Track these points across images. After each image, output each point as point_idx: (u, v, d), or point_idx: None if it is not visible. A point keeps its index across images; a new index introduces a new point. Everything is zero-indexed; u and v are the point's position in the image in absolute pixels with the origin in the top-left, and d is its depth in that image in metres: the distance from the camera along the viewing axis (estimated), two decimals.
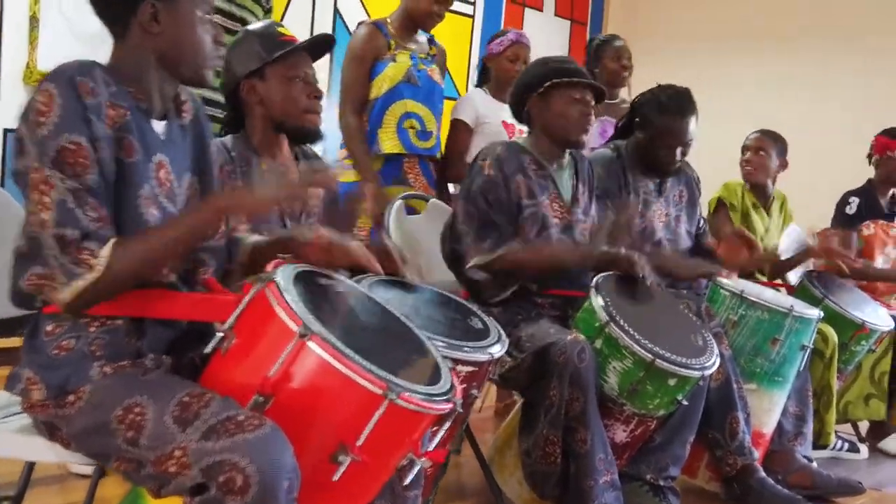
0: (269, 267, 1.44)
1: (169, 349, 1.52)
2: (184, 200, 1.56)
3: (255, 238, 1.76)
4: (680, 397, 2.33)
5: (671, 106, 2.83)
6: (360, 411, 1.32)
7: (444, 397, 1.43)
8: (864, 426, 3.69)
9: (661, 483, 2.47)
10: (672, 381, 2.29)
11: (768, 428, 2.85)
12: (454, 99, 5.43)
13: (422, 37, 3.20)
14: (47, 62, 3.57)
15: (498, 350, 2.00)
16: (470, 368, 1.93)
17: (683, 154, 2.91)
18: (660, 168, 2.93)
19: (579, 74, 2.57)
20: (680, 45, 6.00)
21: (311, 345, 1.31)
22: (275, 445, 1.24)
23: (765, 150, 3.52)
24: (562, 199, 2.59)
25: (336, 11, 4.91)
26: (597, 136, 3.62)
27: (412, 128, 3.08)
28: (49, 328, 1.45)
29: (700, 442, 2.68)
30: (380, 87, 3.05)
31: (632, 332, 2.25)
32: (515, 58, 3.55)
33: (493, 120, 3.52)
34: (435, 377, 1.48)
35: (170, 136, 1.55)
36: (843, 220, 3.82)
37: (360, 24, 3.19)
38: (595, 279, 2.40)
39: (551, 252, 2.50)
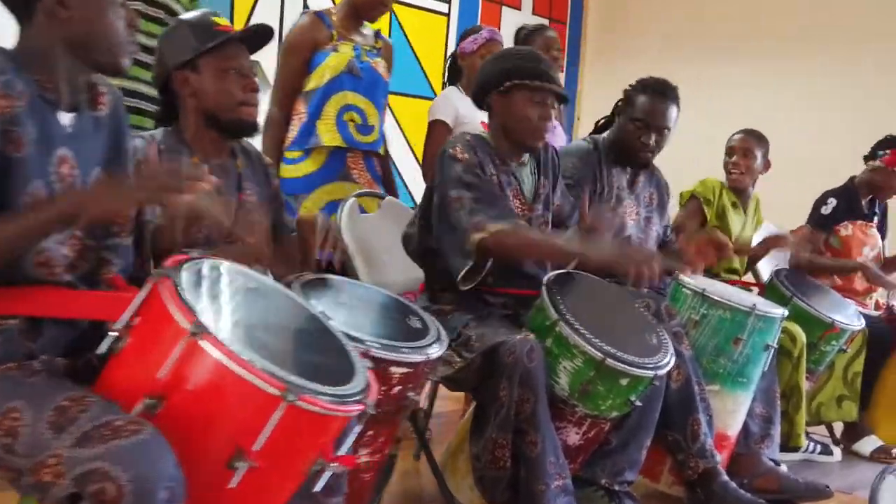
0: (168, 262, 1.36)
1: (67, 351, 1.44)
2: None
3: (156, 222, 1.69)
4: (633, 398, 2.25)
5: (655, 87, 2.85)
6: (257, 414, 1.25)
7: (355, 398, 1.35)
8: (838, 428, 3.62)
9: (617, 488, 2.39)
10: (624, 381, 2.21)
11: (733, 430, 2.78)
12: (429, 98, 5.38)
13: (367, 30, 3.11)
14: None
15: (435, 350, 1.92)
16: (405, 370, 1.85)
17: (657, 143, 2.88)
18: (633, 155, 2.90)
19: (544, 76, 2.48)
20: (661, 43, 5.92)
21: (204, 344, 1.23)
22: (152, 452, 1.16)
23: (751, 151, 3.44)
24: (523, 195, 2.52)
25: (305, 7, 4.84)
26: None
27: (352, 121, 2.99)
28: None
29: (661, 445, 2.60)
30: (320, 77, 2.95)
31: (582, 331, 2.17)
32: (489, 56, 3.46)
33: (472, 120, 3.43)
34: (346, 377, 1.40)
35: (79, 129, 1.47)
36: (819, 220, 3.75)
37: (302, 13, 3.08)
38: (547, 277, 2.33)
39: (554, 241, 2.44)
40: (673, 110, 2.89)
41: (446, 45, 5.56)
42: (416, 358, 1.85)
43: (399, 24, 5.32)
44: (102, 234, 1.52)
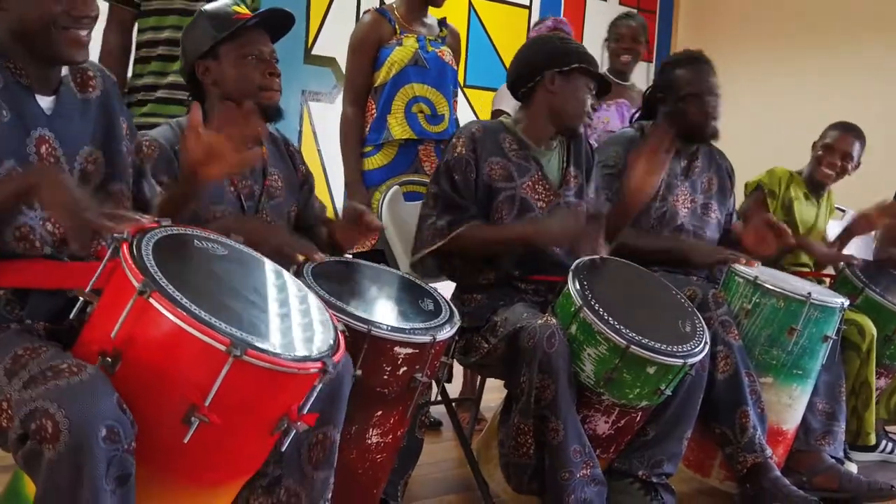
0: (131, 230, 1.40)
1: (51, 317, 1.51)
2: (77, 174, 1.56)
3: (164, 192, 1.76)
4: (663, 387, 2.18)
5: (687, 59, 2.81)
6: (207, 369, 1.27)
7: (314, 357, 1.36)
8: None
9: (654, 480, 2.32)
10: (651, 370, 2.14)
11: (789, 425, 2.65)
12: None
13: (432, 20, 3.13)
14: None
15: (446, 332, 1.92)
16: (410, 350, 1.85)
17: (716, 108, 2.80)
18: (701, 130, 2.81)
19: (586, 61, 2.48)
20: (750, 34, 5.71)
21: (152, 301, 1.27)
22: (89, 391, 1.20)
23: (850, 155, 3.27)
24: (547, 181, 2.49)
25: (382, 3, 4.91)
26: (616, 118, 3.50)
27: (421, 112, 3.02)
28: None
29: (711, 439, 2.52)
30: (387, 72, 3.00)
31: (606, 317, 2.12)
32: None
33: None
34: (311, 338, 1.41)
35: (60, 111, 1.54)
36: None
37: (364, 12, 3.15)
38: (575, 263, 2.28)
39: (506, 228, 2.40)
40: (713, 72, 2.82)
41: (527, 37, 5.52)
42: (422, 338, 1.85)
43: (478, 17, 5.33)
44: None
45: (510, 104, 3.43)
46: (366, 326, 1.78)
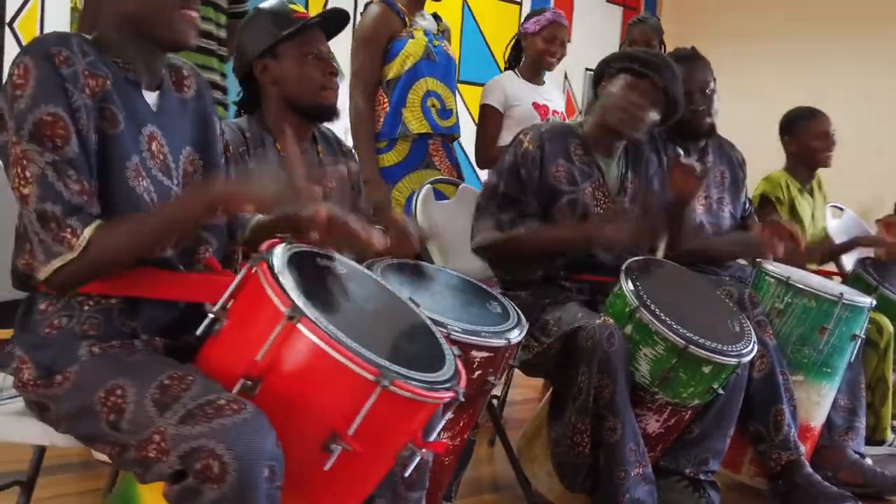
0: (264, 246, 1.38)
1: (166, 331, 1.47)
2: (181, 173, 1.52)
3: (259, 216, 1.71)
4: (716, 386, 2.22)
5: (678, 58, 2.76)
6: (352, 398, 1.25)
7: (445, 385, 1.35)
8: None
9: (701, 477, 2.35)
10: (706, 369, 2.17)
11: (817, 422, 2.71)
12: None
13: (427, 14, 3.12)
14: None
15: (516, 335, 1.91)
16: (486, 354, 1.85)
17: (709, 105, 2.81)
18: (694, 128, 2.83)
19: (655, 69, 2.46)
20: (733, 29, 5.80)
21: (301, 327, 1.24)
22: (254, 431, 1.18)
23: (835, 131, 3.34)
24: (606, 188, 2.50)
25: None
26: None
27: (434, 106, 3.00)
28: (42, 307, 1.42)
29: (743, 436, 2.56)
30: (402, 64, 2.96)
31: (663, 318, 2.14)
32: (552, 38, 3.44)
33: (523, 102, 3.42)
34: (437, 364, 1.40)
35: (164, 108, 1.50)
36: None
37: (368, 3, 3.08)
38: (626, 263, 2.30)
39: (553, 229, 2.40)
40: (704, 68, 2.83)
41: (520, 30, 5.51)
42: (497, 342, 1.85)
43: (471, 12, 5.31)
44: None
45: (497, 98, 3.43)
46: (444, 331, 1.77)
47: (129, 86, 1.43)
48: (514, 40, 3.67)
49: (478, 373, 1.86)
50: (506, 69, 3.65)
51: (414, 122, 2.98)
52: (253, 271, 1.32)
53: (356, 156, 2.96)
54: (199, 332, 1.31)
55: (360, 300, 1.48)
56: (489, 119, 3.41)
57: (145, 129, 1.44)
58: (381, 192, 2.91)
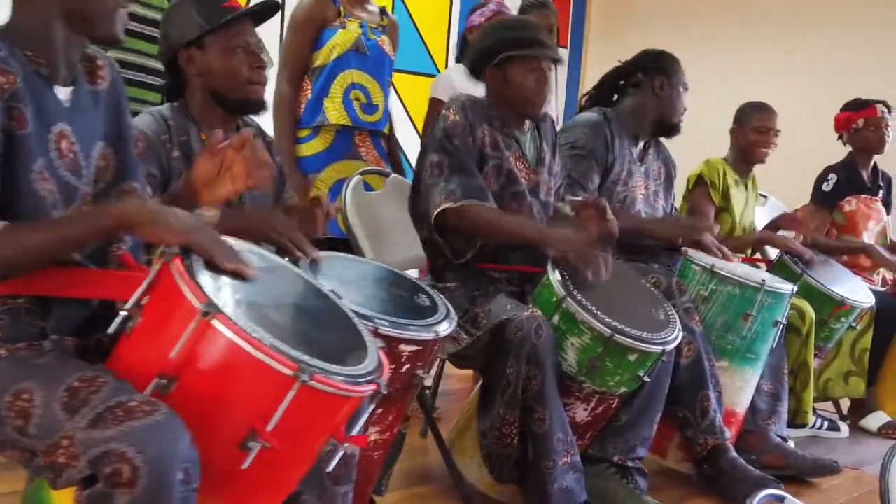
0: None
1: (77, 330, 1.42)
2: (93, 171, 1.46)
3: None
4: (642, 374, 2.24)
5: (663, 57, 2.91)
6: (271, 394, 1.22)
7: (368, 378, 1.34)
8: (845, 404, 3.62)
9: (629, 464, 2.39)
10: (632, 357, 2.20)
11: (741, 407, 2.77)
12: (433, 76, 5.34)
13: (374, 7, 3.08)
14: None
15: (445, 328, 1.90)
16: (414, 348, 1.83)
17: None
18: (675, 123, 2.92)
19: (534, 43, 2.47)
20: (666, 22, 5.87)
21: (216, 323, 1.21)
22: (167, 433, 1.14)
23: (777, 131, 3.41)
24: (526, 160, 2.51)
25: None
26: None
27: (357, 99, 2.97)
28: None
29: (670, 421, 2.60)
30: (328, 54, 2.92)
31: (589, 307, 2.16)
32: None
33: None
34: (359, 357, 1.38)
35: (77, 104, 1.45)
36: (821, 198, 3.72)
37: None
38: (552, 253, 2.31)
39: (517, 223, 2.38)
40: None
41: (449, 21, 5.52)
42: (426, 336, 1.84)
43: (404, 3, 5.28)
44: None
45: (446, 91, 3.41)
46: (371, 324, 1.75)
47: (39, 81, 1.37)
48: (460, 35, 3.67)
49: (406, 366, 1.85)
50: (456, 63, 3.65)
51: (333, 112, 2.94)
52: (166, 266, 1.28)
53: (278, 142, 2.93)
54: (110, 330, 1.28)
55: (280, 294, 1.45)
56: (436, 112, 3.38)
57: (55, 127, 1.38)
58: (295, 182, 2.86)
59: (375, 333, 1.74)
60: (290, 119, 2.93)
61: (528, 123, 2.56)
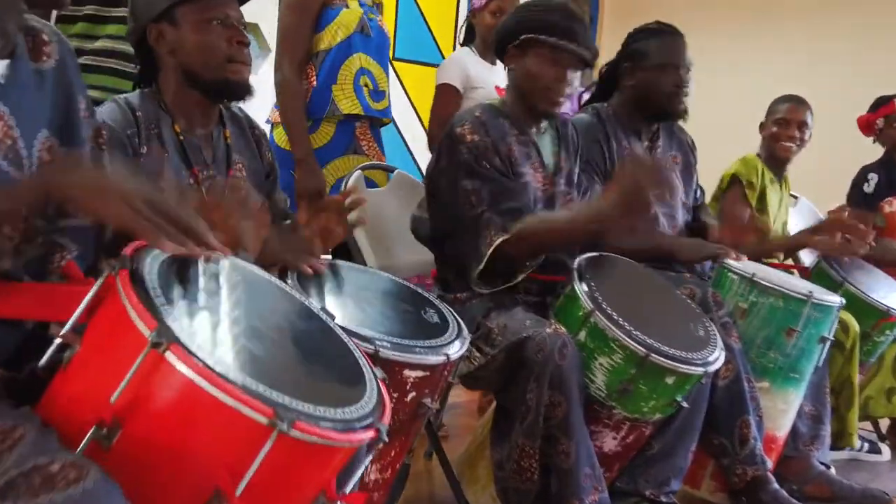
0: (128, 249, 1.07)
1: (8, 359, 1.15)
2: (35, 163, 1.19)
3: None
4: (679, 398, 1.97)
5: (662, 28, 2.56)
6: (241, 447, 0.96)
7: (364, 423, 1.06)
8: (883, 423, 3.34)
9: (662, 499, 2.12)
10: (670, 380, 1.93)
11: (782, 431, 2.49)
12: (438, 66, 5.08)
13: None
14: None
15: (457, 350, 1.63)
16: (420, 373, 1.56)
17: (687, 84, 2.55)
18: (669, 105, 2.56)
19: (566, 33, 2.15)
20: (681, 13, 5.58)
21: (170, 356, 0.94)
22: None
23: (806, 124, 3.12)
24: (544, 168, 2.23)
25: None
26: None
27: (366, 86, 2.69)
28: None
29: (705, 449, 2.32)
30: (333, 36, 2.64)
31: (621, 322, 1.89)
32: (499, 11, 3.18)
33: (485, 84, 3.13)
34: (355, 394, 1.11)
35: (15, 80, 1.18)
36: (861, 199, 3.44)
37: None
38: (577, 261, 2.04)
39: (564, 221, 2.08)
40: (686, 47, 2.58)
41: (457, 9, 5.24)
42: (434, 359, 1.57)
43: None
44: (55, 213, 1.22)
45: (457, 77, 3.16)
46: (371, 346, 1.48)
47: None
48: (467, 17, 3.40)
49: (412, 395, 1.58)
50: (462, 47, 3.38)
51: (345, 101, 2.67)
52: (111, 281, 1.01)
53: (289, 135, 2.65)
54: (42, 362, 1.01)
55: (255, 316, 1.18)
56: (446, 98, 3.10)
57: None
58: (316, 177, 2.59)
59: (375, 358, 1.47)
60: (301, 107, 2.62)
61: (545, 125, 2.28)
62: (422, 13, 5.08)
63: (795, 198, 3.60)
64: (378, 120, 2.79)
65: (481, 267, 2.04)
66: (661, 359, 1.87)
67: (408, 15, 5.03)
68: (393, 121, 3.00)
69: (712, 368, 1.96)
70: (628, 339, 1.87)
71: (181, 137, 1.75)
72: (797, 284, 2.44)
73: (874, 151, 3.59)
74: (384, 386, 1.20)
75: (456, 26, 5.18)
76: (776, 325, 2.39)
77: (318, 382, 1.11)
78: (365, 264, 2.29)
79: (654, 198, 1.87)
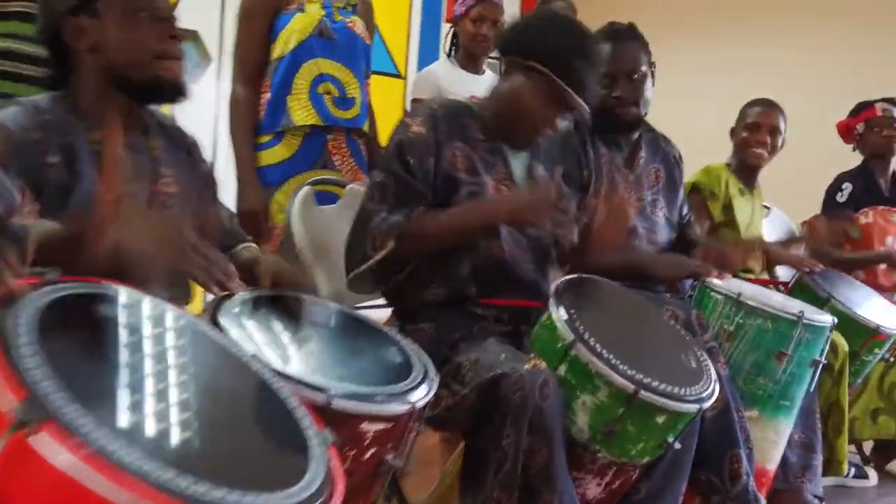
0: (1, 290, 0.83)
1: None
2: None
3: (46, 226, 1.16)
4: (671, 439, 1.76)
5: (608, 34, 2.37)
6: None
7: None
8: (867, 444, 3.19)
9: None
10: (661, 419, 1.71)
11: (772, 464, 2.30)
12: (392, 75, 4.85)
13: None
14: None
15: (422, 395, 1.39)
16: (381, 426, 1.32)
17: (634, 92, 2.37)
18: (614, 117, 2.38)
19: (580, 86, 1.94)
20: (651, 21, 5.43)
21: (38, 442, 0.70)
22: None
23: (778, 129, 2.96)
24: (512, 181, 2.02)
25: None
26: None
27: (328, 93, 2.47)
28: None
29: (692, 486, 2.09)
30: (285, 43, 2.43)
31: (606, 355, 1.67)
32: (480, 19, 3.02)
33: (460, 93, 2.93)
34: (294, 469, 0.88)
35: None
36: (834, 209, 3.30)
37: None
38: (555, 285, 1.82)
39: (450, 215, 1.89)
40: (635, 50, 2.40)
41: (409, 16, 5.03)
42: (397, 409, 1.33)
43: None
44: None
45: (428, 90, 2.99)
46: (323, 397, 1.24)
47: None
48: (451, 28, 3.21)
49: (371, 451, 1.34)
50: (446, 57, 3.19)
51: (300, 111, 2.45)
52: None
53: (234, 151, 2.45)
54: None
55: (167, 374, 0.93)
56: None
57: None
58: (256, 199, 2.39)
59: (327, 411, 1.23)
60: (248, 124, 2.45)
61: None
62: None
63: (767, 208, 3.43)
64: (356, 130, 2.57)
65: (359, 271, 1.89)
66: (652, 396, 1.65)
67: None
68: None
69: (707, 405, 1.75)
70: (614, 375, 1.65)
71: (96, 148, 1.50)
72: (786, 304, 2.26)
73: (851, 159, 3.45)
74: (335, 454, 0.96)
75: (409, 33, 4.97)
76: (765, 349, 2.20)
77: (248, 460, 0.87)
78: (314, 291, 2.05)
79: (552, 224, 1.78)
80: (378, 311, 2.04)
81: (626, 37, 2.41)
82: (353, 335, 1.52)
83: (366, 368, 1.39)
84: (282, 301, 1.49)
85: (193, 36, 4.05)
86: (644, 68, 2.41)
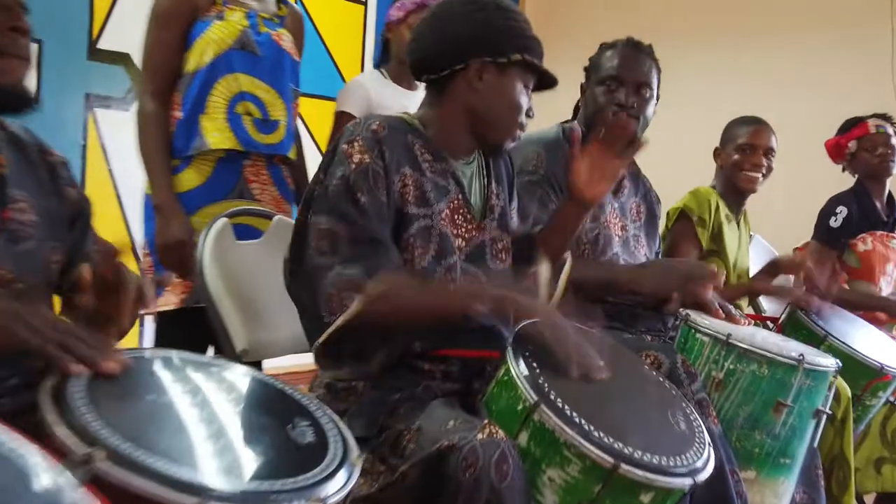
0: None
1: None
2: None
3: None
4: None
5: (625, 42, 2.26)
6: None
7: None
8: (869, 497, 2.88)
9: None
10: (646, 497, 1.39)
11: None
12: None
13: None
14: None
15: (338, 486, 1.06)
16: None
17: (638, 105, 2.19)
18: (608, 123, 2.07)
19: (535, 50, 1.70)
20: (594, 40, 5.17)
21: None
22: None
23: (773, 150, 2.70)
24: (469, 208, 1.70)
25: None
26: None
27: (248, 114, 2.18)
28: None
29: None
30: (200, 55, 2.14)
31: (576, 420, 1.35)
32: None
33: (392, 109, 2.63)
34: None
35: None
36: (827, 235, 3.02)
37: None
38: (514, 332, 1.50)
39: (430, 293, 1.57)
40: (650, 66, 2.24)
41: (363, 38, 4.77)
42: None
43: (309, 15, 4.52)
44: None
45: (358, 103, 2.69)
46: (194, 501, 0.91)
47: None
48: (381, 35, 2.91)
49: None
50: (374, 69, 2.88)
51: (215, 133, 2.16)
52: None
53: (147, 175, 2.15)
54: None
55: None
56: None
57: None
58: (180, 228, 2.09)
59: None
60: (162, 142, 2.16)
61: (474, 154, 1.78)
62: (324, 43, 4.59)
63: (750, 236, 3.16)
64: (276, 156, 2.26)
65: (320, 341, 1.53)
66: (635, 470, 1.33)
67: (310, 45, 4.53)
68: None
69: (701, 477, 1.43)
70: (588, 445, 1.33)
71: None
72: (783, 345, 1.96)
73: (843, 179, 3.18)
74: None
75: (363, 57, 4.70)
76: (761, 399, 1.90)
77: None
78: (230, 342, 1.72)
79: None
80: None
81: (645, 52, 2.27)
82: (257, 407, 1.19)
83: (266, 455, 1.06)
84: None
85: (124, 58, 3.75)
86: (654, 88, 2.24)
